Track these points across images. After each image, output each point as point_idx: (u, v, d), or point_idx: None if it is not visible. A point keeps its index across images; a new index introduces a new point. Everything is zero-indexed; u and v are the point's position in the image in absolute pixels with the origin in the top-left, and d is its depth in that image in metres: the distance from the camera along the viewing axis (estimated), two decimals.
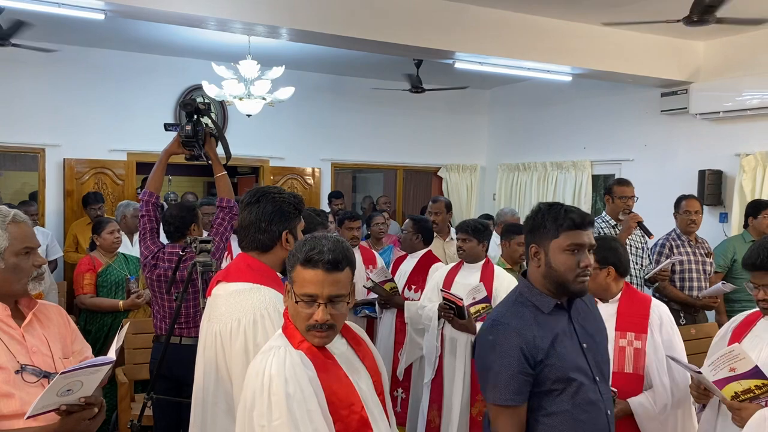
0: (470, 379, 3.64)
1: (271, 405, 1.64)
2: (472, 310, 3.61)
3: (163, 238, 3.56)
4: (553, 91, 7.90)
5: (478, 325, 3.52)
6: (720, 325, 4.83)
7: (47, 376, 1.89)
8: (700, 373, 2.29)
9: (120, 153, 7.39)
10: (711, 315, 5.00)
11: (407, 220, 4.56)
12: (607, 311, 2.81)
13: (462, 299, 3.58)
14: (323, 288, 1.72)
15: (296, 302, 1.74)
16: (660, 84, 6.53)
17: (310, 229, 2.95)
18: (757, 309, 2.44)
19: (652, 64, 6.17)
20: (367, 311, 4.67)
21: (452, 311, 3.64)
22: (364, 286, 4.46)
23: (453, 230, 5.40)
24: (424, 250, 4.45)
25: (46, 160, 7.10)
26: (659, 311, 2.74)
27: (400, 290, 4.39)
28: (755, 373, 2.17)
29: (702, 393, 2.38)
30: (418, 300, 4.19)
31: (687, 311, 4.66)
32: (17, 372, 1.86)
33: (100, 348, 4.37)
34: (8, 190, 8.21)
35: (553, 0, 5.27)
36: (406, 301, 4.23)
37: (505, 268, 4.19)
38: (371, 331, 4.72)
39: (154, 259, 3.38)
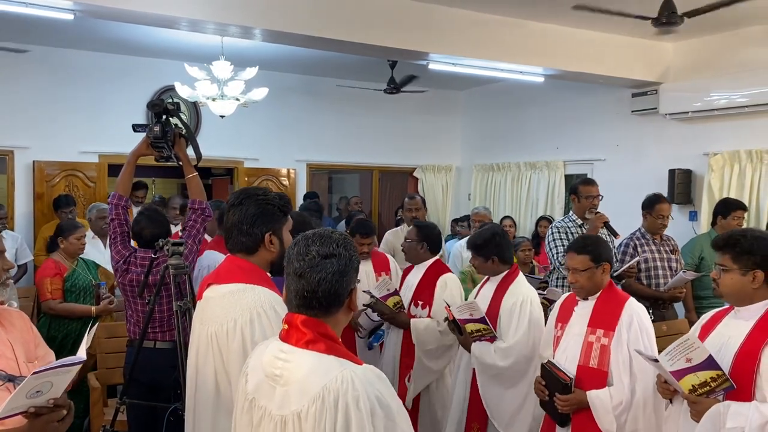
0: (468, 403, 3.41)
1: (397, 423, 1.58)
2: (471, 327, 3.30)
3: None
4: (525, 92, 7.97)
5: (480, 345, 3.32)
6: (690, 323, 4.93)
7: (12, 380, 1.88)
8: (657, 361, 2.32)
9: (91, 155, 7.27)
10: (681, 312, 5.09)
11: (411, 228, 4.10)
12: (586, 307, 2.88)
13: (451, 311, 3.37)
14: None
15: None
16: (630, 84, 6.63)
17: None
18: (726, 306, 2.49)
19: (623, 65, 6.26)
20: (374, 343, 4.22)
21: (453, 326, 3.43)
22: (363, 305, 3.93)
23: None
24: (432, 260, 3.92)
25: (15, 163, 6.97)
26: (632, 311, 2.76)
27: (406, 306, 3.87)
28: (709, 363, 2.22)
29: (666, 387, 2.42)
30: (427, 317, 3.73)
31: (655, 308, 4.73)
32: None
33: (68, 354, 4.26)
34: None
35: (525, 1, 5.32)
36: (412, 320, 3.75)
37: (462, 272, 4.19)
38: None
39: (125, 263, 3.33)
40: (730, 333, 2.36)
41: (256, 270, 2.21)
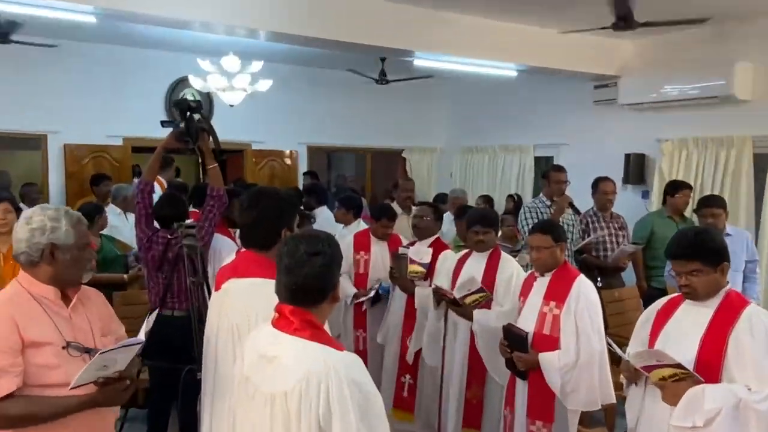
0: (467, 363, 3.45)
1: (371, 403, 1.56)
2: (470, 299, 3.33)
3: None
4: (501, 83, 7.86)
5: (481, 312, 3.34)
6: (640, 290, 5.02)
7: (89, 351, 1.95)
8: (627, 361, 2.24)
9: (116, 138, 7.25)
10: (630, 280, 5.16)
11: (423, 207, 4.04)
12: (542, 283, 2.96)
13: (453, 294, 3.39)
14: None
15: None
16: (593, 78, 6.59)
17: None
18: (679, 294, 2.34)
19: (586, 61, 6.22)
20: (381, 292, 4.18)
21: (449, 300, 3.44)
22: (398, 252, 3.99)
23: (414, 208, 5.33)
24: (434, 237, 3.99)
25: (49, 145, 6.95)
26: (580, 287, 2.82)
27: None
28: (677, 365, 2.11)
29: (633, 374, 2.30)
30: (429, 287, 3.77)
31: (603, 275, 4.92)
32: (63, 347, 1.91)
33: None
34: (18, 171, 7.93)
35: (500, 4, 5.26)
36: (416, 287, 3.85)
37: (458, 245, 4.22)
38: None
39: (148, 242, 3.37)
40: (691, 320, 2.22)
41: (271, 264, 2.14)
